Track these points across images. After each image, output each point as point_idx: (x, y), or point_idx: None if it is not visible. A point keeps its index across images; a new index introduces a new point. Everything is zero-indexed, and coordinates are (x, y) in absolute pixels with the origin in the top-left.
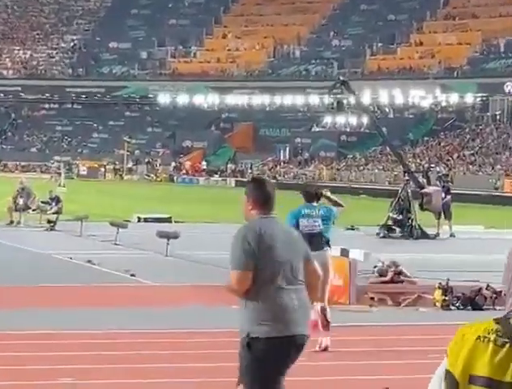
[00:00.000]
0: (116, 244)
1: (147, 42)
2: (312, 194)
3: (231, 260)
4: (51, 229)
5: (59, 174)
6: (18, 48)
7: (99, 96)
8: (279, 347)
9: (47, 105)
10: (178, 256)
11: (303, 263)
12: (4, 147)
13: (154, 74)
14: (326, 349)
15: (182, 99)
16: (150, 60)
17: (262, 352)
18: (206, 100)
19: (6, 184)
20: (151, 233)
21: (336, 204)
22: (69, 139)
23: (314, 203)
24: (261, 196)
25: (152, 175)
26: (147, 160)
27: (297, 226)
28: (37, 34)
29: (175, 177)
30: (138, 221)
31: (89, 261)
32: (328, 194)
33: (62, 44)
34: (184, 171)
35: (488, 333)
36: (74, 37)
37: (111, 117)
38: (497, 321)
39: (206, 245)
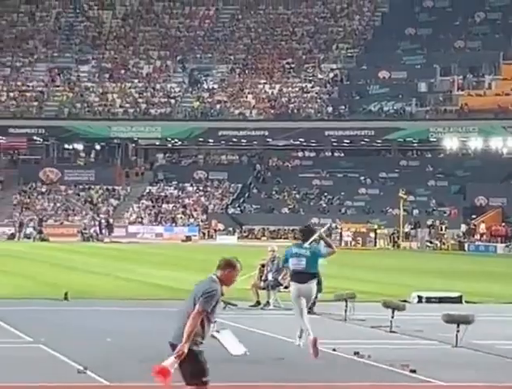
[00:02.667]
0: (391, 331)
1: (426, 70)
2: (303, 234)
3: None
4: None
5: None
6: (263, 81)
7: (366, 140)
8: None
9: (301, 153)
10: (472, 347)
11: None
12: (248, 207)
13: (436, 112)
14: None
15: (474, 143)
16: (431, 93)
17: None
18: (505, 144)
19: (251, 255)
20: (436, 317)
21: (328, 245)
22: (329, 196)
23: (306, 243)
24: None
25: (436, 242)
26: (429, 223)
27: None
28: (287, 63)
29: (466, 245)
30: (419, 302)
31: (356, 353)
32: (323, 234)
33: (319, 76)
34: (477, 236)
35: None
36: (335, 66)
37: (382, 167)
38: None
39: (509, 332)
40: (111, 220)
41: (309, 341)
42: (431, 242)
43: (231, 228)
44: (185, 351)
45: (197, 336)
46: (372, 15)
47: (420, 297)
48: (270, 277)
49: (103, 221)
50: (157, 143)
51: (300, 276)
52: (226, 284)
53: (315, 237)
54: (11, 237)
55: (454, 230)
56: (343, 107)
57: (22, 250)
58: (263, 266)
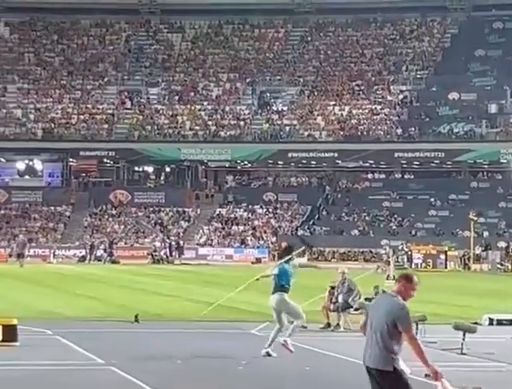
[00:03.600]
0: (462, 353)
1: (496, 92)
2: (283, 251)
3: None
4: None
5: (387, 263)
6: (332, 103)
7: (436, 162)
8: None
9: (370, 175)
10: None
11: None
12: (317, 229)
13: (506, 134)
14: None
15: None
16: (501, 115)
17: None
18: None
19: (321, 277)
20: (508, 340)
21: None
22: (399, 218)
23: (283, 260)
24: None
25: (507, 264)
26: (503, 245)
27: None
28: (357, 85)
29: None
30: (490, 324)
31: (427, 375)
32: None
33: (389, 98)
34: None
35: None
36: (404, 88)
37: (452, 189)
38: None
39: None
40: (181, 242)
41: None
42: (502, 264)
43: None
44: (438, 369)
45: (397, 354)
46: (441, 37)
47: (491, 320)
48: (340, 299)
49: (173, 243)
50: (227, 165)
51: (273, 289)
52: (404, 298)
53: (289, 256)
54: (82, 259)
55: None
56: (413, 129)
57: (93, 273)
58: (333, 288)
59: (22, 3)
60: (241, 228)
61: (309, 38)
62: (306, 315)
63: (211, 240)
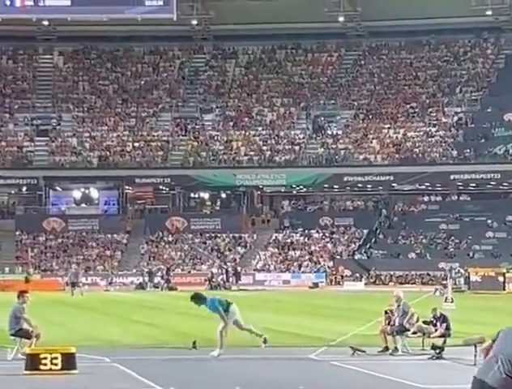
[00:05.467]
0: None
1: None
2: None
3: None
4: (437, 358)
5: (445, 286)
6: (387, 126)
7: (492, 183)
8: None
9: (427, 198)
10: None
11: None
12: (374, 252)
13: None
14: None
15: None
16: None
17: None
18: None
19: (378, 300)
20: None
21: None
22: (456, 241)
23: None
24: None
25: None
26: None
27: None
28: (411, 108)
29: None
30: None
31: None
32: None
33: (444, 120)
34: None
35: None
36: (459, 110)
37: (509, 210)
38: None
39: None
40: (238, 268)
41: None
42: None
43: (358, 274)
44: None
45: None
46: (495, 58)
47: None
48: (396, 322)
49: (230, 269)
50: (282, 190)
51: None
52: None
53: None
54: (139, 286)
55: None
56: (469, 150)
57: (150, 300)
58: (389, 312)
59: (75, 32)
60: (298, 252)
61: (363, 61)
62: (364, 339)
63: (268, 265)
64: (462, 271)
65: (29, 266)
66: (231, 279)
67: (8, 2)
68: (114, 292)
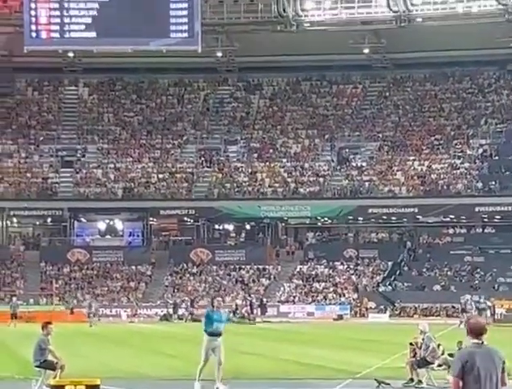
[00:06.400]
0: None
1: None
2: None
3: None
4: None
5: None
6: (412, 158)
7: None
8: None
9: (451, 230)
10: None
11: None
12: (399, 284)
13: None
14: None
15: None
16: None
17: None
18: None
19: (403, 332)
20: None
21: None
22: (481, 273)
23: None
24: None
25: None
26: None
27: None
28: (436, 140)
29: None
30: None
31: None
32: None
33: (468, 152)
34: None
35: None
36: (484, 142)
37: None
38: None
39: None
40: (264, 300)
41: None
42: None
43: (382, 306)
44: None
45: None
46: None
47: None
48: (420, 355)
49: (254, 301)
50: (307, 222)
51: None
52: None
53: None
54: (164, 318)
55: None
56: (494, 182)
57: (174, 331)
58: (416, 344)
59: (100, 64)
60: (322, 284)
61: (387, 93)
62: (389, 372)
63: (293, 297)
64: (488, 303)
65: (53, 297)
66: (255, 311)
67: (34, 34)
68: (138, 323)
